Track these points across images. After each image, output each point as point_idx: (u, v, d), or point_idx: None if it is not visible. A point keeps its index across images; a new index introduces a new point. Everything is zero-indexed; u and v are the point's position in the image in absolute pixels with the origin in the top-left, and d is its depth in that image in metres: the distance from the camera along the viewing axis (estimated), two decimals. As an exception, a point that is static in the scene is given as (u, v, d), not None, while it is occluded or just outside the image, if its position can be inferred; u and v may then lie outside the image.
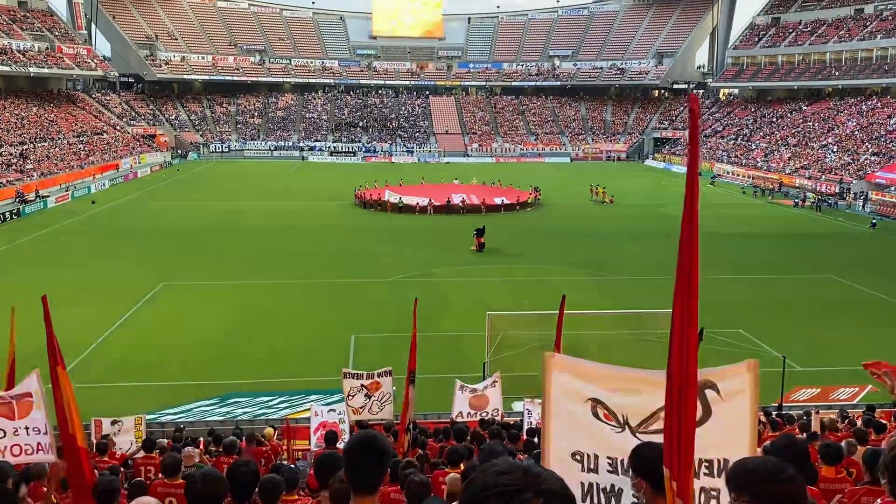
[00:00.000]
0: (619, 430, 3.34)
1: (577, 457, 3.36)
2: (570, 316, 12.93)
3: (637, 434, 3.31)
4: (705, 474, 3.18)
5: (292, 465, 8.23)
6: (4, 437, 6.29)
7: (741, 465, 2.57)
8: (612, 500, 3.32)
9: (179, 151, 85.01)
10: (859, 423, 10.45)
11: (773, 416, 12.72)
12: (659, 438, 3.19)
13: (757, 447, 3.60)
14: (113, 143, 74.88)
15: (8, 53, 69.75)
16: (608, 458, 3.33)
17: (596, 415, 3.36)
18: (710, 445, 3.06)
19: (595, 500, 3.34)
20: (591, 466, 3.34)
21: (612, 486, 3.32)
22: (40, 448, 6.27)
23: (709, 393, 3.22)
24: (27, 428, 6.30)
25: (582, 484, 3.33)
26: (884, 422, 10.79)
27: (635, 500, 3.21)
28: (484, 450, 6.94)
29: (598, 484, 3.33)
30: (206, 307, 26.57)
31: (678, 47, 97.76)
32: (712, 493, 3.20)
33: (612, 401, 3.36)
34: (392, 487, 6.57)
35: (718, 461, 3.21)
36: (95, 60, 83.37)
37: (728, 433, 3.20)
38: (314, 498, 6.30)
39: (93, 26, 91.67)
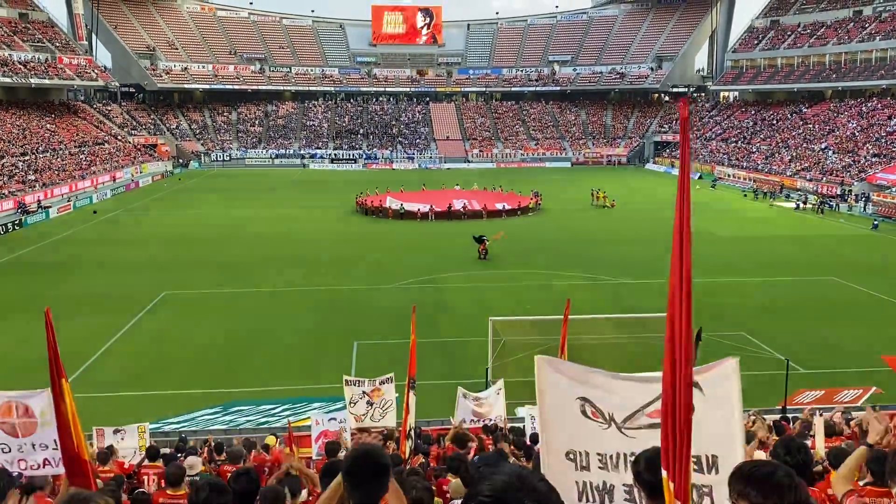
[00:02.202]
0: (606, 426, 3.40)
1: (571, 456, 3.43)
2: (572, 320, 12.90)
3: (623, 430, 3.37)
4: (695, 470, 3.19)
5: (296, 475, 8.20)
6: (10, 451, 6.30)
7: (748, 470, 2.52)
8: (606, 498, 3.37)
9: (181, 160, 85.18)
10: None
11: (777, 420, 12.67)
12: (644, 434, 3.24)
13: (745, 443, 3.62)
14: (114, 153, 75.03)
15: (9, 65, 70.02)
16: (598, 454, 3.40)
17: (584, 413, 3.43)
18: (695, 441, 3.09)
19: (589, 499, 3.38)
20: (584, 464, 3.41)
21: (604, 482, 3.39)
22: (47, 463, 6.26)
23: None
24: (33, 444, 6.29)
25: (577, 483, 3.40)
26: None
27: (626, 497, 3.25)
28: (482, 458, 6.93)
29: (591, 482, 3.40)
30: (207, 316, 26.59)
31: (677, 51, 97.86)
32: (703, 489, 3.23)
33: (598, 399, 3.43)
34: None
35: (707, 457, 3.23)
36: (96, 71, 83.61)
37: (713, 429, 3.23)
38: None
39: (93, 37, 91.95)
